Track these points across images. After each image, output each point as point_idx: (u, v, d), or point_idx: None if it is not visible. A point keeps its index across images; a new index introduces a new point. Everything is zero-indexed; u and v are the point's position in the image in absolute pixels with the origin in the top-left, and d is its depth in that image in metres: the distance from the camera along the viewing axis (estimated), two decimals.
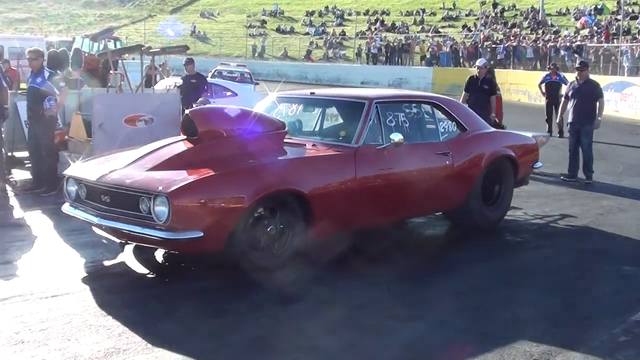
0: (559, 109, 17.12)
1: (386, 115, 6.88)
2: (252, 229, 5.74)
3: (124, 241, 6.07)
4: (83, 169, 6.33)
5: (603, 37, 33.83)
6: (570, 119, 11.07)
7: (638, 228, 7.99)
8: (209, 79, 15.70)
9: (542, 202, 9.34)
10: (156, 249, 6.22)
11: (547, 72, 18.20)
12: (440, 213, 7.98)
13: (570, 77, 18.41)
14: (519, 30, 41.27)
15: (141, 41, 37.36)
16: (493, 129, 8.43)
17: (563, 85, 17.26)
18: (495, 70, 14.44)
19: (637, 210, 8.98)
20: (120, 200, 5.69)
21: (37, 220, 7.80)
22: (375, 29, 49.30)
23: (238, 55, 49.46)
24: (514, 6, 48.43)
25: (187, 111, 6.17)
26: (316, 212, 6.02)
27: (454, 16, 50.04)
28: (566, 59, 31.67)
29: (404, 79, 37.53)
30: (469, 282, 6.05)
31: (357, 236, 6.88)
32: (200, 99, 12.16)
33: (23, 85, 14.07)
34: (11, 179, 9.78)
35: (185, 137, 6.38)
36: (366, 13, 54.57)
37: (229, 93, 16.73)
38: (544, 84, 17.59)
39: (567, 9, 44.47)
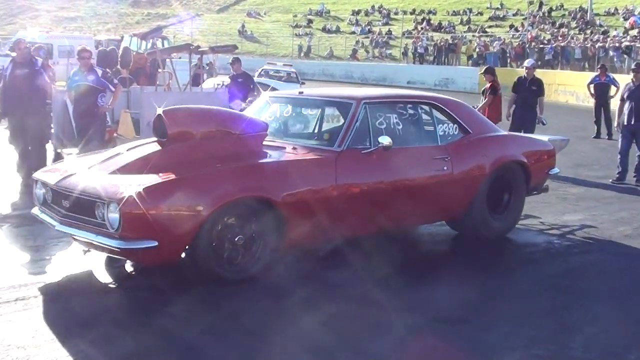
0: (607, 111, 17.16)
1: (376, 117, 6.38)
2: (215, 239, 5.34)
3: (85, 248, 5.84)
4: (50, 171, 6.13)
5: None
6: (625, 121, 10.88)
7: None
8: (255, 79, 15.80)
9: (591, 205, 9.20)
10: None
11: (596, 73, 17.92)
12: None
13: (619, 78, 18.21)
14: (566, 30, 40.76)
15: (188, 40, 37.69)
16: (502, 132, 7.81)
17: (612, 86, 17.07)
18: (537, 69, 13.68)
19: None
20: (78, 206, 5.38)
21: None
22: (422, 28, 49.13)
23: (284, 54, 49.71)
24: (561, 6, 47.88)
25: (158, 110, 5.85)
26: (289, 220, 5.60)
27: (500, 16, 49.67)
28: (615, 59, 31.21)
29: (450, 79, 37.36)
30: (462, 275, 6.09)
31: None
32: (249, 99, 12.20)
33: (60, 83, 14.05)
34: None
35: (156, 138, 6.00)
36: (412, 12, 54.43)
37: None
38: (592, 85, 17.30)
39: (616, 9, 43.83)
